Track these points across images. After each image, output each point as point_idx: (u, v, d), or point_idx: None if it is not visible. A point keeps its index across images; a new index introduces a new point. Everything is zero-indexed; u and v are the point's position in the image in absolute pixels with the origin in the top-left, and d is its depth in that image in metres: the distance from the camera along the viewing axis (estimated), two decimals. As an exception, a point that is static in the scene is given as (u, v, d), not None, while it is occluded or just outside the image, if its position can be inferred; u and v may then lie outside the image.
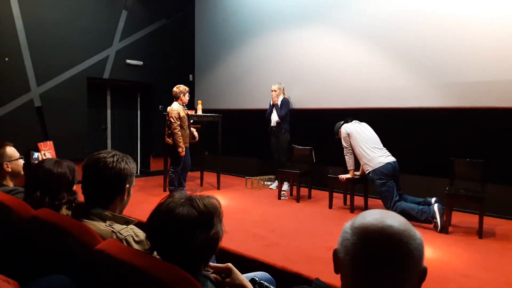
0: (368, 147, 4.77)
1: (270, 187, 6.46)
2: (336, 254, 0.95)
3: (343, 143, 4.96)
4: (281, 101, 6.27)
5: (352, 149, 4.90)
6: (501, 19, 4.77)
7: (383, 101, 5.79)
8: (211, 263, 1.42)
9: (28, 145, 6.11)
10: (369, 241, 0.87)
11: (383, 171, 4.59)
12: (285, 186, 6.23)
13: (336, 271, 0.97)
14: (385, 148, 4.83)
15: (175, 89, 5.59)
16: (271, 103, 6.38)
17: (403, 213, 4.32)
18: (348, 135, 4.89)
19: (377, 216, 0.92)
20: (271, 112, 6.36)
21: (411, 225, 0.92)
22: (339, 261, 0.93)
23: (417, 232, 0.91)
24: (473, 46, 4.98)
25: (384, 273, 0.86)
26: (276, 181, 6.33)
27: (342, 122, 5.10)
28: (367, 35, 5.98)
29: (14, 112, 6.19)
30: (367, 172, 4.76)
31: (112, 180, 1.71)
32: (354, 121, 5.05)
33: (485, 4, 4.88)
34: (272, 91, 6.32)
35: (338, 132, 5.10)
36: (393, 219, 0.91)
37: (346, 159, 4.98)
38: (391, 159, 4.71)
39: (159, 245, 1.33)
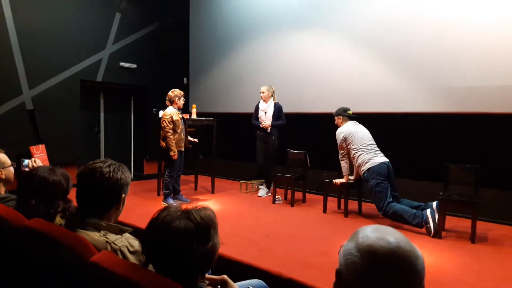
0: (363, 147, 4.77)
1: (258, 194, 6.23)
2: (339, 274, 0.94)
3: (339, 147, 4.97)
4: (275, 107, 6.06)
5: (348, 154, 4.91)
6: (496, 25, 4.82)
7: (378, 105, 5.81)
8: (206, 275, 1.41)
9: (20, 149, 6.06)
10: (380, 264, 0.88)
11: (378, 171, 4.60)
12: (262, 192, 6.20)
13: None
14: (379, 149, 4.85)
15: (170, 93, 5.57)
16: (259, 106, 6.17)
17: (395, 214, 4.35)
18: (345, 139, 4.88)
19: (380, 235, 0.92)
20: (257, 116, 6.17)
21: (410, 241, 0.93)
22: (343, 282, 0.93)
23: (418, 249, 0.92)
24: (468, 51, 5.03)
25: None
26: (263, 188, 6.27)
27: (340, 112, 5.05)
28: (362, 39, 6.01)
29: (5, 115, 6.13)
30: (362, 172, 4.76)
31: (109, 191, 1.70)
32: (353, 121, 5.03)
33: (481, 9, 4.93)
34: (261, 92, 6.08)
35: (337, 116, 5.08)
36: (397, 238, 0.92)
37: (341, 164, 4.99)
38: (385, 159, 4.73)
39: (156, 258, 1.32)
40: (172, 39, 8.41)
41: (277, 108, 6.07)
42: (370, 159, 4.70)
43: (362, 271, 0.88)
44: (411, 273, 0.88)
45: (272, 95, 6.11)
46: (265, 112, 6.06)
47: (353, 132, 4.86)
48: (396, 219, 4.39)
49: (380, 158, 4.71)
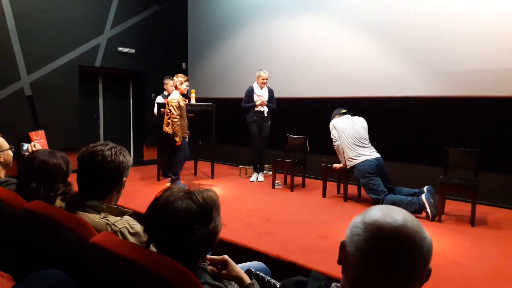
0: (349, 144, 4.78)
1: (250, 180, 6.21)
2: (343, 246, 0.94)
3: (332, 136, 4.98)
4: (270, 91, 6.03)
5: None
6: (494, 8, 4.77)
7: (377, 90, 5.78)
8: (207, 255, 1.42)
9: (19, 135, 6.06)
10: (383, 240, 0.87)
11: (364, 169, 4.62)
12: (254, 177, 6.20)
13: (340, 263, 0.97)
14: (369, 145, 4.80)
15: (174, 78, 5.58)
16: (255, 91, 6.01)
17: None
18: (335, 128, 4.93)
19: (389, 212, 0.91)
20: (253, 100, 6.02)
21: (421, 224, 0.91)
22: (346, 254, 0.93)
23: (427, 232, 0.91)
24: (466, 34, 4.98)
25: (394, 272, 0.86)
26: (255, 173, 6.26)
27: (336, 114, 5.10)
28: (360, 24, 5.95)
29: (4, 101, 6.09)
30: (349, 168, 4.81)
31: (111, 174, 1.69)
32: (346, 115, 5.03)
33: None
34: (265, 79, 5.98)
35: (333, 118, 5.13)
36: (405, 217, 0.91)
37: (336, 153, 5.01)
38: (373, 156, 4.70)
39: (158, 238, 1.33)
40: (171, 23, 8.32)
41: (271, 93, 6.07)
42: (356, 156, 4.71)
43: (364, 244, 0.88)
44: (415, 253, 0.86)
45: None
46: (262, 97, 6.01)
47: (341, 128, 4.86)
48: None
49: (366, 156, 4.69)
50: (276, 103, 6.13)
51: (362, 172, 4.62)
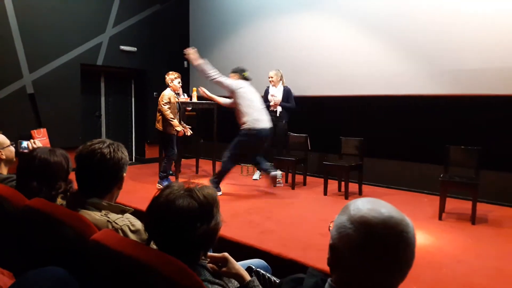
0: (253, 106, 4.89)
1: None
2: (334, 248, 0.95)
3: (223, 83, 4.98)
4: (284, 90, 6.04)
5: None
6: (495, 8, 4.76)
7: (379, 88, 5.77)
8: (208, 253, 1.42)
9: (21, 133, 6.06)
10: (375, 233, 0.89)
11: (256, 136, 4.80)
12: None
13: (329, 264, 0.97)
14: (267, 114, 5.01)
15: (166, 76, 5.64)
16: (269, 91, 6.13)
17: (224, 168, 4.93)
18: (235, 90, 4.94)
19: (371, 206, 0.94)
20: (266, 100, 6.10)
21: (399, 210, 0.95)
22: (339, 255, 0.93)
23: (408, 218, 0.94)
24: (468, 33, 4.97)
25: (387, 262, 0.89)
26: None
27: (241, 74, 5.15)
28: (364, 22, 5.94)
29: (6, 99, 6.11)
30: (244, 125, 4.85)
31: (111, 171, 1.70)
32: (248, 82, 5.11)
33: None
34: (269, 77, 6.07)
35: (234, 73, 5.20)
36: (388, 208, 0.94)
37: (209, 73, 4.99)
38: (268, 125, 4.91)
39: (158, 236, 1.33)
40: (172, 22, 8.32)
41: (286, 92, 6.07)
42: (257, 120, 4.83)
43: (357, 242, 0.89)
44: (405, 241, 0.90)
45: (280, 79, 6.12)
46: (275, 97, 6.04)
47: (246, 90, 4.96)
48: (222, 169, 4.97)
49: (264, 123, 4.86)
50: (294, 103, 6.09)
51: (254, 137, 4.78)
